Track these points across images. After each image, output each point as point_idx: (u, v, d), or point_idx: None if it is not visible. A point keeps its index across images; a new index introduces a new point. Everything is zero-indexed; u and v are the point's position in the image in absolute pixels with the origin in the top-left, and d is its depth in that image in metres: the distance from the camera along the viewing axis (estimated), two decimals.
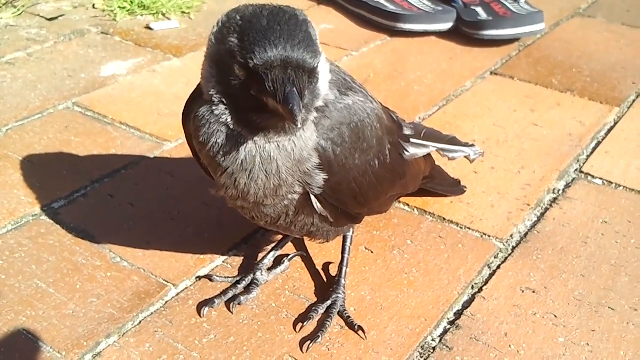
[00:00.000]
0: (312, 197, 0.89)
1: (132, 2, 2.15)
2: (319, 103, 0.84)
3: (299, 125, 0.75)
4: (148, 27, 2.06)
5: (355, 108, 0.89)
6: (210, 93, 0.83)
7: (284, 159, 0.84)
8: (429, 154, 1.16)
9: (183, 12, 2.17)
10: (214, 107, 0.84)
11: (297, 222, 0.93)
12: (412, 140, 1.08)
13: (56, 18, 2.11)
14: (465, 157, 1.23)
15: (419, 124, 1.21)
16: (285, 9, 0.79)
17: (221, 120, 0.83)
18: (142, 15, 2.14)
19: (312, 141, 0.84)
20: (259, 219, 0.94)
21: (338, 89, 0.89)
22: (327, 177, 0.87)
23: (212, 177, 0.93)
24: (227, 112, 0.83)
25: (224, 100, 0.82)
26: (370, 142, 0.92)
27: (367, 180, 0.93)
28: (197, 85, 0.90)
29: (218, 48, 0.80)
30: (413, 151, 1.06)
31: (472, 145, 1.24)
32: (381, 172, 0.95)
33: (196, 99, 0.89)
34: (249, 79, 0.77)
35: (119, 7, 2.13)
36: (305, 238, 1.15)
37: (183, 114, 0.95)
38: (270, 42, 0.74)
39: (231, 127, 0.83)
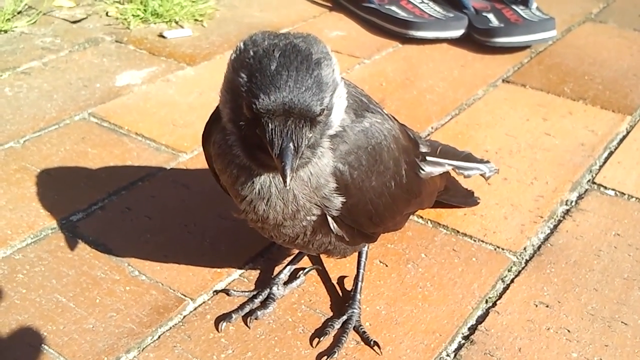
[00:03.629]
0: (329, 218, 0.90)
1: (145, 10, 2.16)
2: (332, 132, 0.85)
3: (287, 186, 0.76)
4: (161, 35, 2.07)
5: (372, 130, 0.90)
6: (225, 120, 0.85)
7: (300, 188, 0.85)
8: None
9: (196, 20, 2.18)
10: (227, 137, 0.86)
11: (314, 241, 0.95)
12: (428, 158, 1.09)
13: (79, 21, 2.14)
14: (481, 174, 1.24)
15: (435, 141, 1.22)
16: (299, 46, 0.78)
17: (233, 151, 0.86)
18: (155, 23, 2.16)
19: (329, 167, 0.86)
20: (278, 238, 0.95)
21: (354, 112, 0.90)
22: (344, 200, 0.88)
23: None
24: (237, 143, 0.85)
25: (235, 131, 0.84)
26: (387, 164, 0.93)
27: (383, 201, 0.94)
28: (217, 107, 0.91)
29: (233, 77, 0.80)
30: (429, 170, 1.07)
31: (487, 162, 1.25)
32: (397, 192, 0.96)
33: (215, 122, 0.91)
34: (254, 119, 0.78)
35: (133, 15, 2.15)
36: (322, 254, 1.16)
37: (203, 135, 0.96)
38: (275, 89, 0.74)
39: (242, 159, 0.85)
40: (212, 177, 1.02)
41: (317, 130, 0.80)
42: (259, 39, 0.80)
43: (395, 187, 0.96)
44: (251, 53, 0.78)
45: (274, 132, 0.75)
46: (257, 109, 0.75)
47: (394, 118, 1.03)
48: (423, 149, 1.10)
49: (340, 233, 0.93)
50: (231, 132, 0.85)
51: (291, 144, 0.75)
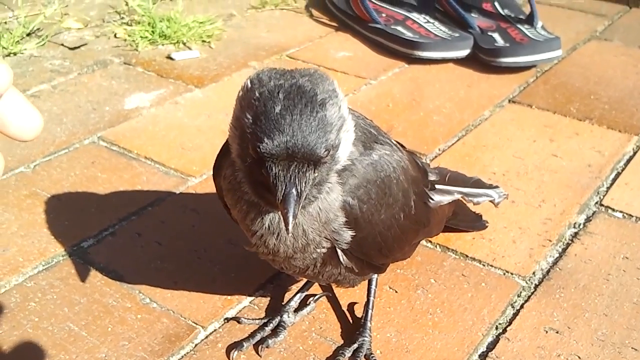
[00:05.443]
0: (339, 251, 0.91)
1: (153, 32, 2.18)
2: (340, 166, 0.85)
3: (289, 233, 0.77)
4: (169, 57, 2.09)
5: (381, 163, 0.91)
6: (234, 155, 0.85)
7: (309, 223, 0.86)
8: None
9: (203, 41, 2.20)
10: (236, 173, 0.87)
11: (324, 272, 0.95)
12: (437, 186, 1.10)
13: (79, 47, 2.15)
14: (490, 201, 1.25)
15: (443, 168, 1.23)
16: (304, 87, 0.77)
17: (242, 188, 0.87)
18: (163, 44, 2.17)
19: (338, 201, 0.86)
20: (288, 269, 0.96)
21: (363, 144, 0.90)
22: (354, 234, 0.89)
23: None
24: (245, 180, 0.85)
25: (243, 168, 0.84)
26: (396, 196, 0.94)
27: (392, 233, 0.95)
28: (227, 140, 0.92)
29: (240, 116, 0.80)
30: (438, 199, 1.08)
31: (497, 187, 1.26)
32: (406, 223, 0.97)
33: (226, 155, 0.91)
34: (259, 160, 0.77)
35: (141, 36, 2.17)
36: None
37: (214, 167, 0.97)
38: (278, 134, 0.74)
39: (251, 196, 0.86)
40: (221, 202, 1.03)
41: (324, 169, 0.81)
42: (265, 77, 0.80)
43: (404, 219, 0.96)
44: (257, 94, 0.78)
45: (277, 177, 0.76)
46: (260, 153, 0.75)
47: (403, 147, 1.04)
48: (432, 177, 1.11)
49: (350, 265, 0.94)
50: (239, 168, 0.86)
51: (294, 190, 0.75)
